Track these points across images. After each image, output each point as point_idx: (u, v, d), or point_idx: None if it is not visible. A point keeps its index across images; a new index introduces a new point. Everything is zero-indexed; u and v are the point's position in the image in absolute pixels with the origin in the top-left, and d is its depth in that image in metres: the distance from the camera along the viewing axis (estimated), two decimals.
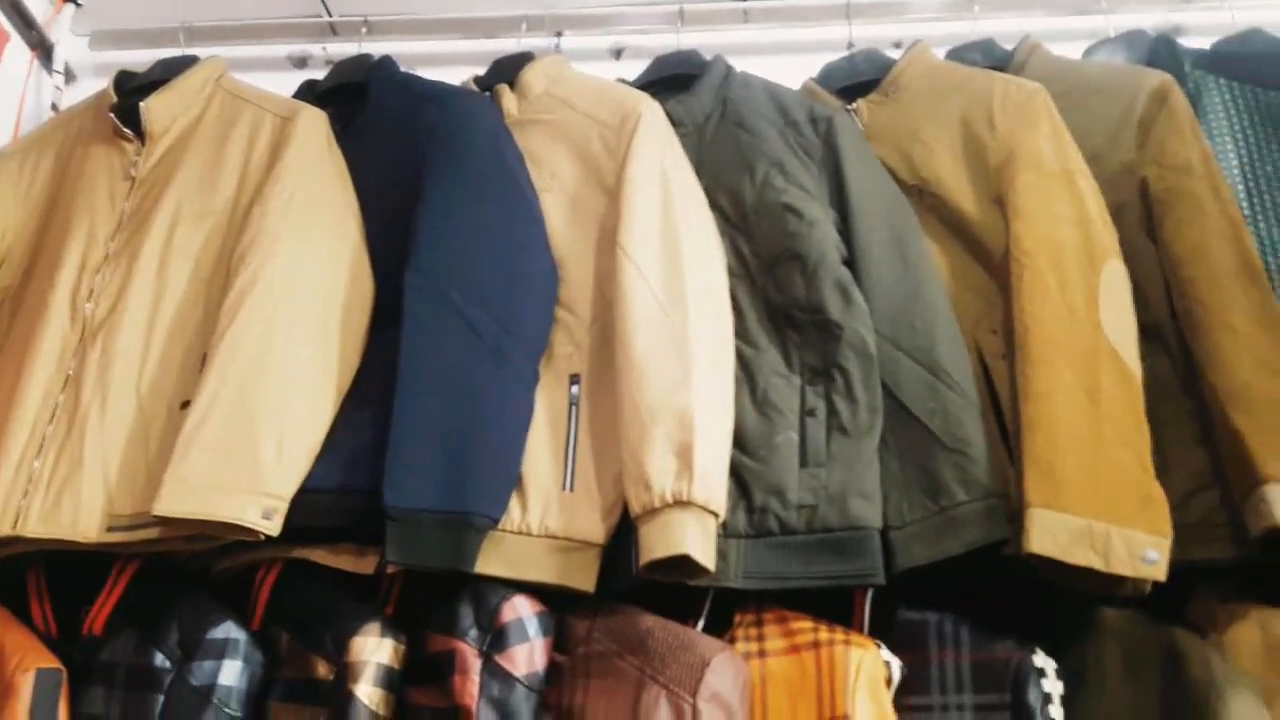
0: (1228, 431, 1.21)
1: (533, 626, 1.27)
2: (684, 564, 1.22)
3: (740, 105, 1.59)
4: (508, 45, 1.80)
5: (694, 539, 1.21)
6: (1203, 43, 1.69)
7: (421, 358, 1.34)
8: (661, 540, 1.22)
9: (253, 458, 1.30)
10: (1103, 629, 1.26)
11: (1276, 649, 1.24)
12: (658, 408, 1.28)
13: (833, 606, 1.32)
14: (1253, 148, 1.48)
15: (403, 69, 1.73)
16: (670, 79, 1.69)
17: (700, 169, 1.53)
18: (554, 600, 1.30)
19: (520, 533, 1.30)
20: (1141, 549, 1.17)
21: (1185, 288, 1.31)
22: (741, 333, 1.42)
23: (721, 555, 1.27)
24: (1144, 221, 1.41)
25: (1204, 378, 1.26)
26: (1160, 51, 1.60)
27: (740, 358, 1.40)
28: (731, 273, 1.46)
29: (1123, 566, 1.17)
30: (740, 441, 1.34)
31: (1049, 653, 1.24)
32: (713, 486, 1.24)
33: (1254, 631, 1.26)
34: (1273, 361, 1.24)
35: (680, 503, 1.22)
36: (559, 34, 1.93)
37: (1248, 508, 1.17)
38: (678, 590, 1.30)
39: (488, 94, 1.64)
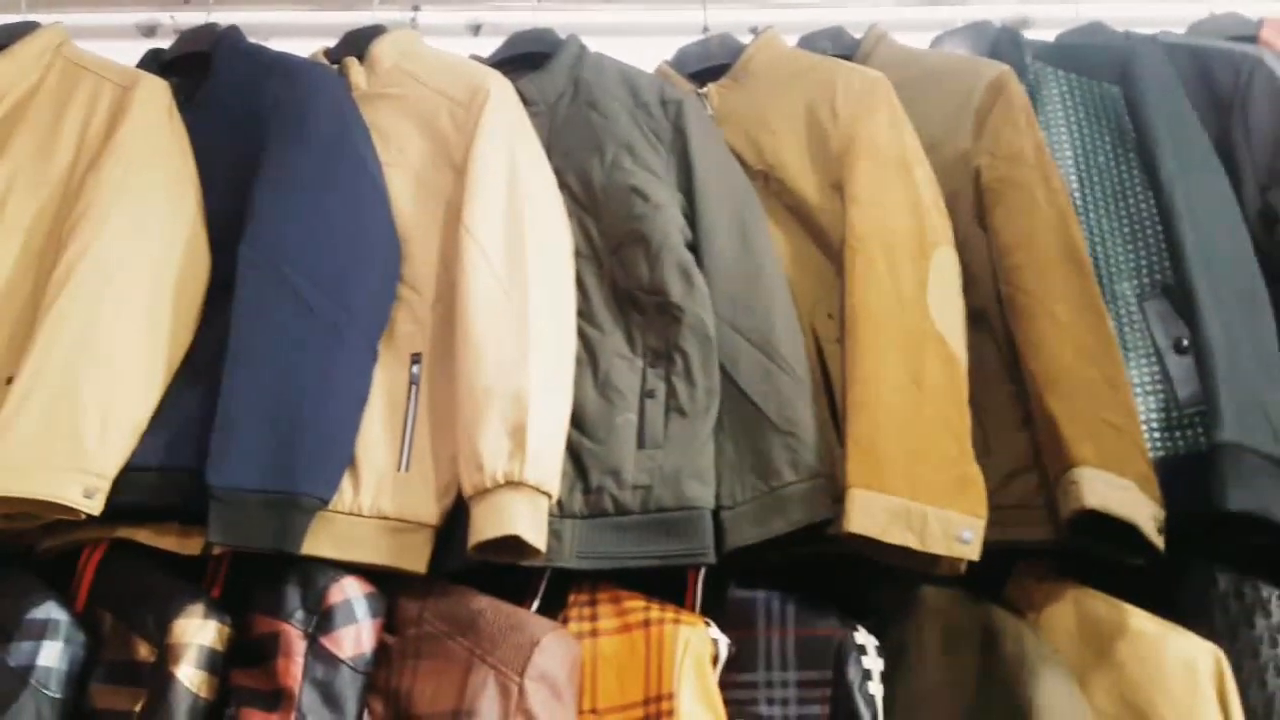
0: (1044, 416, 1.25)
1: (361, 608, 1.26)
2: (516, 544, 1.22)
3: (592, 86, 1.59)
4: (363, 18, 1.76)
5: (524, 520, 1.21)
6: (1050, 35, 1.74)
7: (252, 334, 1.32)
8: (492, 521, 1.22)
9: (75, 435, 1.26)
10: (924, 607, 1.29)
11: (1091, 627, 1.28)
12: (493, 388, 1.27)
13: (681, 587, 1.33)
14: (1086, 139, 1.52)
15: (254, 39, 1.69)
16: (524, 57, 1.68)
17: (550, 149, 1.53)
18: (392, 581, 1.30)
19: (351, 513, 1.29)
20: (957, 529, 1.20)
21: (1011, 275, 1.35)
22: (586, 314, 1.43)
23: (556, 535, 1.28)
24: (976, 210, 1.44)
25: (1025, 363, 1.30)
26: (1003, 43, 1.64)
27: (584, 339, 1.40)
28: (579, 254, 1.46)
29: (938, 545, 1.20)
30: (580, 423, 1.34)
31: (874, 630, 1.28)
32: (545, 467, 1.24)
33: (1069, 610, 1.30)
34: (1091, 348, 1.28)
35: (512, 483, 1.22)
36: (416, 8, 1.90)
37: (1059, 490, 1.20)
38: (518, 571, 1.30)
39: (336, 67, 1.62)
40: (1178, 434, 1.32)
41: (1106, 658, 1.25)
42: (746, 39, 1.69)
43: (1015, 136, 1.44)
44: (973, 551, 1.20)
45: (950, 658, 1.25)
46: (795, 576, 1.35)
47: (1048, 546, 1.28)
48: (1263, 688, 1.23)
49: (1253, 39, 1.65)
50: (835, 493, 1.25)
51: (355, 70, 1.59)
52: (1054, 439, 1.23)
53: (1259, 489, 1.23)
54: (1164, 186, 1.41)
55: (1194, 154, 1.44)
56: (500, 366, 1.28)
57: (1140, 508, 1.19)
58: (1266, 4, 1.81)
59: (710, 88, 1.63)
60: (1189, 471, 1.27)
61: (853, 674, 1.22)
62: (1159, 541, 1.20)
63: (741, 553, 1.29)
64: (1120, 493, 1.18)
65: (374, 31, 1.65)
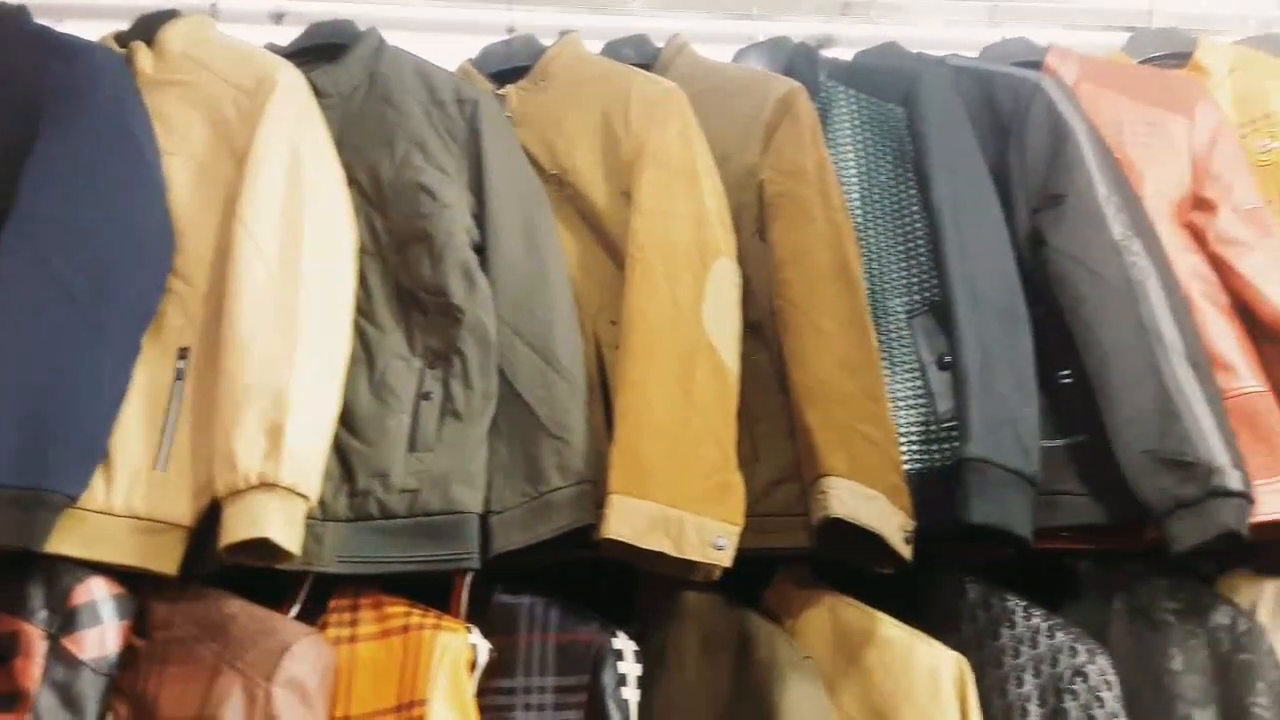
0: (802, 426, 1.28)
1: (107, 609, 1.22)
2: (272, 547, 1.20)
3: (389, 81, 1.57)
4: (160, 1, 1.71)
5: (277, 522, 1.19)
6: (851, 54, 1.78)
7: (8, 325, 1.27)
8: (243, 523, 1.19)
9: None
10: (685, 612, 1.31)
11: (844, 633, 1.31)
12: (254, 385, 1.25)
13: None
14: (870, 159, 1.56)
15: (46, 20, 1.62)
16: (322, 48, 1.65)
17: (341, 143, 1.50)
18: (148, 583, 1.26)
19: (102, 512, 1.25)
20: (713, 536, 1.22)
21: (782, 288, 1.37)
22: (367, 312, 1.41)
23: (317, 539, 1.26)
24: (759, 223, 1.46)
25: (789, 374, 1.32)
26: (799, 60, 1.66)
27: (362, 338, 1.39)
28: (364, 251, 1.44)
29: (693, 552, 1.21)
30: (351, 423, 1.33)
31: (636, 635, 1.29)
32: (303, 469, 1.22)
33: (824, 616, 1.33)
34: (853, 362, 1.31)
35: (266, 484, 1.20)
36: None
37: (810, 499, 1.23)
38: (286, 574, 1.28)
39: (124, 51, 1.56)
40: (934, 447, 1.36)
41: (856, 664, 1.28)
42: (551, 42, 1.68)
43: (799, 153, 1.47)
44: (726, 558, 1.22)
45: (707, 662, 1.27)
46: (571, 582, 1.35)
47: (810, 554, 1.30)
48: (1003, 696, 1.27)
49: (1038, 65, 1.71)
50: (601, 498, 1.25)
51: (142, 55, 1.54)
52: (809, 449, 1.25)
53: (1002, 502, 1.27)
54: (935, 207, 1.44)
55: (966, 176, 1.48)
56: (263, 363, 1.26)
57: (888, 518, 1.22)
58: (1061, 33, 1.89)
59: (509, 89, 1.63)
60: (943, 483, 1.31)
61: (607, 679, 1.22)
62: (906, 551, 1.23)
63: (515, 558, 1.29)
64: (868, 503, 1.21)
65: (166, 16, 1.60)
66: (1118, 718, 1.23)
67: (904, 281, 1.47)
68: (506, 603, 1.31)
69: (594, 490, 1.27)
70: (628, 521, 1.20)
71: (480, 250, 1.43)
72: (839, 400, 1.28)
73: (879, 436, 1.27)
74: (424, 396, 1.35)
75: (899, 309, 1.45)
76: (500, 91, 1.63)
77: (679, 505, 1.22)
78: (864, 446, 1.25)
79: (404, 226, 1.44)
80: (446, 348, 1.37)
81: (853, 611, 1.32)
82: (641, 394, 1.28)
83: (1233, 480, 1.27)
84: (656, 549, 1.20)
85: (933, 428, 1.37)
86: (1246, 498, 1.28)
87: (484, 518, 1.30)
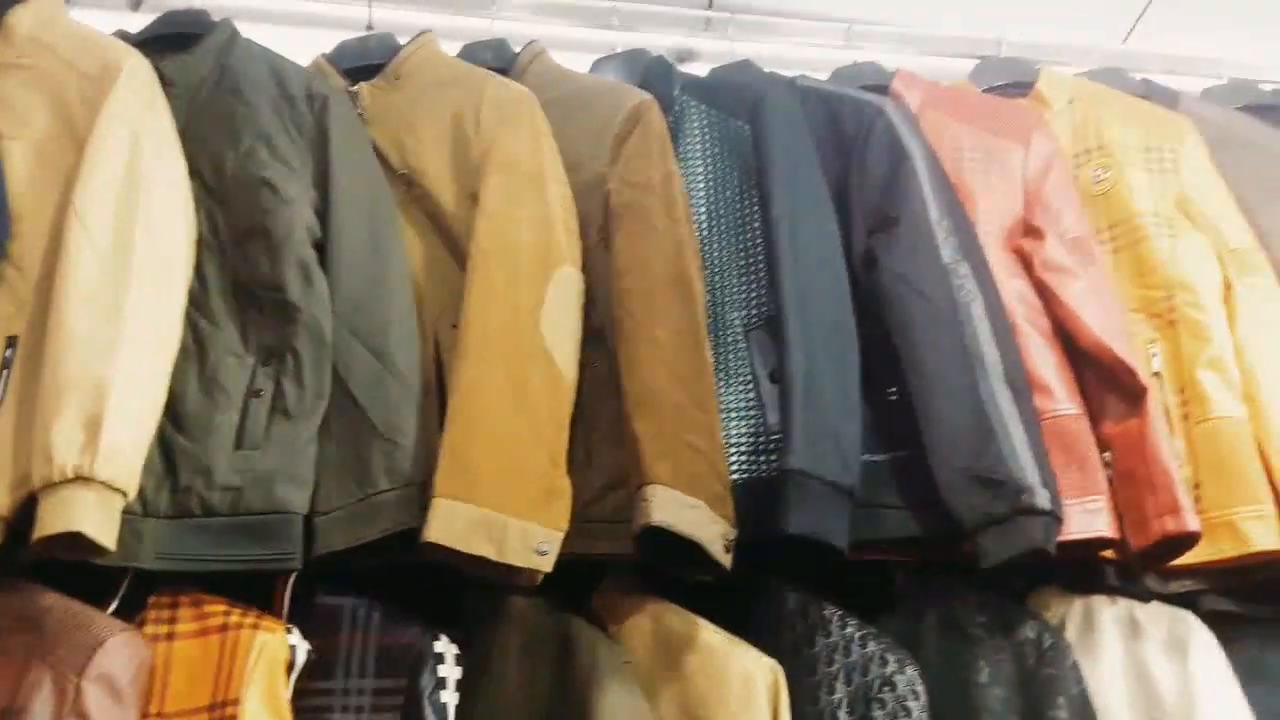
0: (630, 434, 1.29)
1: None
2: (88, 541, 1.18)
3: (239, 73, 1.55)
4: None
5: (91, 517, 1.17)
6: (710, 69, 1.81)
7: None
8: (57, 516, 1.17)
9: None
10: (509, 616, 1.32)
11: (666, 639, 1.34)
12: (75, 377, 1.23)
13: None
14: (718, 174, 1.58)
15: None
16: (173, 36, 1.62)
17: (187, 134, 1.48)
18: None
19: None
20: (536, 541, 1.23)
21: (621, 297, 1.39)
22: (202, 307, 1.39)
23: (136, 535, 1.25)
24: (604, 232, 1.47)
25: (622, 382, 1.34)
26: (654, 72, 1.69)
27: (195, 333, 1.37)
28: (204, 244, 1.42)
29: (516, 557, 1.22)
30: (177, 419, 1.31)
31: (461, 639, 1.29)
32: (121, 464, 1.21)
33: (647, 623, 1.35)
34: (684, 373, 1.33)
35: (82, 478, 1.18)
36: None
37: (634, 506, 1.25)
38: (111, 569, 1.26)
39: None
40: (762, 458, 1.39)
41: (676, 669, 1.31)
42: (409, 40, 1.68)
43: (646, 164, 1.49)
44: (548, 564, 1.24)
45: (528, 666, 1.29)
46: (405, 584, 1.35)
47: (638, 560, 1.32)
48: (815, 703, 1.31)
49: (886, 89, 1.76)
50: (428, 501, 1.26)
51: None
52: (635, 457, 1.27)
53: (820, 514, 1.31)
54: (772, 222, 1.47)
55: (805, 194, 1.51)
56: (86, 354, 1.24)
57: (708, 527, 1.25)
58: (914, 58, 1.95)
59: (362, 86, 1.62)
60: (770, 494, 1.34)
61: (425, 681, 1.23)
62: (725, 560, 1.26)
63: (343, 560, 1.29)
64: (688, 511, 1.23)
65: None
66: None
67: (743, 295, 1.50)
68: (328, 604, 1.31)
69: (421, 494, 1.27)
70: (450, 525, 1.21)
71: (322, 248, 1.43)
72: (668, 410, 1.30)
73: (705, 446, 1.29)
74: (254, 394, 1.34)
75: (737, 322, 1.48)
76: (353, 88, 1.62)
77: (504, 510, 1.23)
78: (689, 456, 1.28)
79: (244, 221, 1.43)
80: (280, 345, 1.36)
81: (676, 618, 1.34)
82: (473, 398, 1.29)
83: (1041, 499, 1.32)
84: (479, 554, 1.21)
85: (762, 439, 1.40)
86: (1054, 516, 1.33)
87: (310, 518, 1.29)
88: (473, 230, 1.42)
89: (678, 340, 1.36)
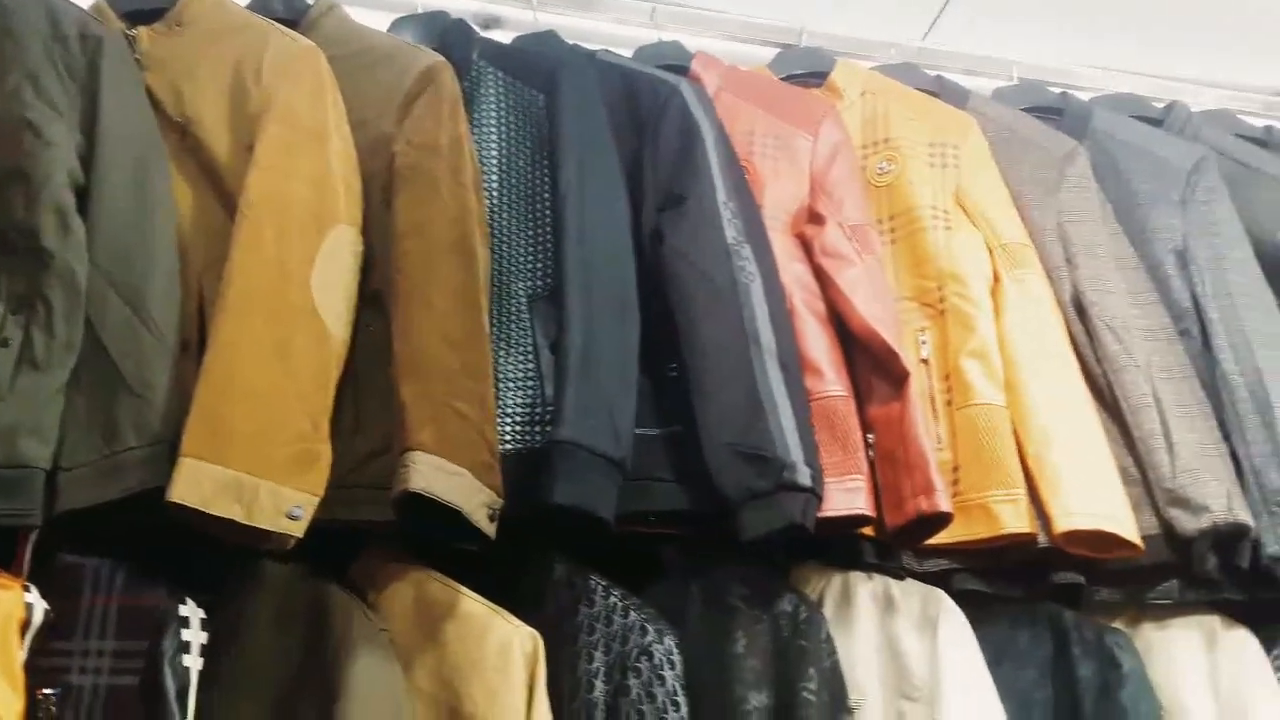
0: (397, 399, 1.27)
1: None
2: None
3: (10, 11, 1.44)
4: None
5: None
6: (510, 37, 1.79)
7: None
8: None
9: None
10: (262, 582, 1.29)
11: (426, 608, 1.32)
12: None
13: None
14: (511, 142, 1.57)
15: None
16: None
17: None
18: None
19: None
20: (287, 505, 1.20)
21: (399, 260, 1.36)
22: None
23: None
24: (387, 193, 1.44)
25: (394, 346, 1.32)
26: (453, 36, 1.66)
27: None
28: None
29: (265, 520, 1.19)
30: None
31: (212, 602, 1.26)
32: None
33: (408, 591, 1.34)
34: (458, 339, 1.32)
35: None
36: None
37: (396, 472, 1.23)
38: None
39: None
40: (537, 429, 1.39)
41: (434, 638, 1.29)
42: None
43: (434, 127, 1.46)
44: (299, 528, 1.21)
45: (280, 632, 1.26)
46: (159, 545, 1.30)
47: (396, 527, 1.30)
48: (574, 671, 1.32)
49: (684, 70, 1.77)
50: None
51: None
52: (400, 422, 1.25)
53: (588, 485, 1.31)
54: (561, 194, 1.47)
55: (595, 167, 1.51)
56: None
57: (471, 495, 1.24)
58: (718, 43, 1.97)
59: (141, 30, 1.54)
60: (540, 465, 1.34)
61: (166, 645, 1.19)
62: (489, 529, 1.25)
63: (92, 518, 1.24)
64: (451, 478, 1.22)
65: None
66: (676, 696, 1.28)
67: (529, 266, 1.49)
68: (71, 563, 1.25)
69: (171, 453, 1.22)
70: (196, 486, 1.17)
71: (84, 194, 1.36)
72: (438, 375, 1.29)
73: (473, 414, 1.28)
74: (1, 343, 1.27)
75: (521, 292, 1.47)
76: (131, 32, 1.55)
77: (255, 472, 1.19)
78: (456, 423, 1.26)
79: (3, 163, 1.35)
80: (31, 293, 1.29)
81: (437, 587, 1.33)
82: (230, 355, 1.25)
83: (803, 476, 1.36)
84: (226, 515, 1.18)
85: (539, 410, 1.40)
86: (815, 494, 1.37)
87: (55, 474, 1.23)
88: (245, 184, 1.37)
89: (454, 306, 1.34)
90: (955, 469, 1.53)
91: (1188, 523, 1.50)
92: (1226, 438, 1.61)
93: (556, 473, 1.30)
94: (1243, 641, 1.56)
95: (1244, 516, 1.51)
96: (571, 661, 1.32)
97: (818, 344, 1.52)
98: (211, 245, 1.40)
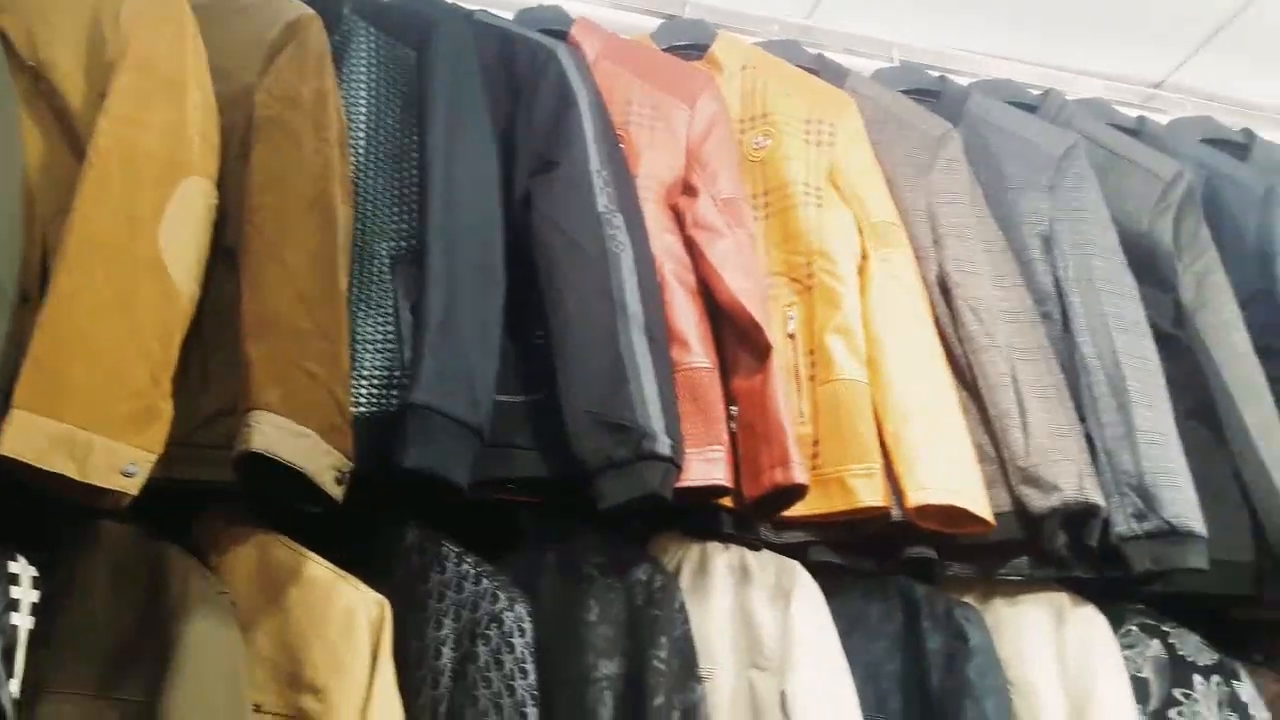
0: (245, 357, 1.24)
1: None
2: None
3: None
4: None
5: None
6: None
7: None
8: None
9: None
10: (99, 541, 1.25)
11: (270, 572, 1.30)
12: None
13: None
14: (380, 100, 1.54)
15: None
16: None
17: None
18: None
19: None
20: (122, 462, 1.16)
21: (253, 214, 1.33)
22: None
23: None
24: (245, 146, 1.40)
25: (243, 303, 1.28)
26: None
27: None
28: None
29: (99, 477, 1.15)
30: None
31: (49, 560, 1.22)
32: None
33: (251, 554, 1.31)
34: (312, 298, 1.29)
35: None
36: None
37: (238, 432, 1.20)
38: None
39: None
40: (394, 393, 1.37)
41: (277, 602, 1.27)
42: None
43: (298, 80, 1.43)
44: (134, 486, 1.17)
45: (115, 592, 1.22)
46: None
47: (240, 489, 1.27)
48: (421, 638, 1.30)
49: (564, 35, 1.75)
50: None
51: None
52: (247, 381, 1.22)
53: (442, 450, 1.29)
54: (427, 154, 1.45)
55: (466, 129, 1.49)
56: None
57: (318, 457, 1.21)
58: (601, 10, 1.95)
59: None
60: (396, 428, 1.32)
61: None
62: (336, 492, 1.23)
63: None
64: (295, 440, 1.20)
65: None
66: (525, 664, 1.28)
67: (394, 226, 1.47)
68: None
69: (5, 405, 1.18)
70: (27, 440, 1.13)
71: None
72: (288, 334, 1.26)
73: (324, 375, 1.26)
74: None
75: (384, 253, 1.45)
76: None
77: (90, 427, 1.15)
78: (304, 383, 1.23)
79: None
80: None
81: (282, 550, 1.30)
82: (69, 306, 1.20)
83: (663, 446, 1.35)
84: (59, 470, 1.14)
85: (396, 374, 1.38)
86: (674, 464, 1.37)
87: None
88: (94, 131, 1.32)
89: (309, 264, 1.31)
90: (815, 443, 1.54)
91: (1038, 501, 1.54)
92: (1082, 419, 1.64)
93: (409, 437, 1.28)
94: (1090, 619, 1.59)
95: (1094, 496, 1.54)
96: (420, 628, 1.31)
97: (686, 316, 1.52)
98: (60, 194, 1.34)
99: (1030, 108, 2.05)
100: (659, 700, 1.31)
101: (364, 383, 1.37)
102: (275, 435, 1.18)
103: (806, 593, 1.46)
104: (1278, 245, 1.90)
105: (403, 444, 1.28)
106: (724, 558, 1.50)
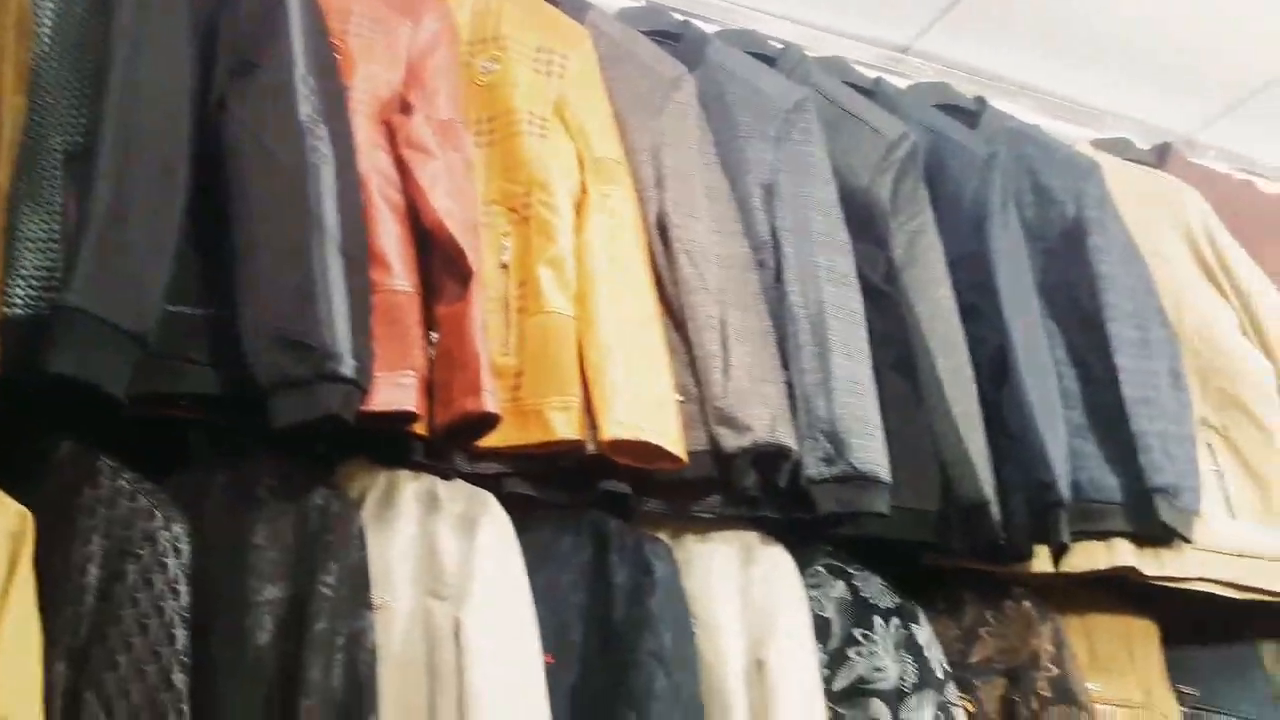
0: None
1: None
2: None
3: None
4: None
5: None
6: None
7: None
8: None
9: None
10: None
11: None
12: None
13: None
14: None
15: None
16: None
17: None
18: None
19: None
20: None
21: None
22: None
23: None
24: None
25: None
26: None
27: None
28: None
29: None
30: None
31: None
32: None
33: None
34: None
35: None
36: None
37: None
38: None
39: None
40: (54, 294, 1.27)
41: None
42: None
43: None
44: None
45: None
46: None
47: None
48: (67, 556, 1.22)
49: None
50: None
51: None
52: None
53: (95, 357, 1.21)
54: (111, 41, 1.33)
55: (156, 16, 1.37)
56: None
57: None
58: None
59: None
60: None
61: None
62: None
63: None
64: None
65: None
66: (177, 585, 1.22)
67: (70, 120, 1.36)
68: None
69: None
70: None
71: None
72: None
73: None
74: None
75: (58, 147, 1.34)
76: None
77: None
78: None
79: None
80: None
81: None
82: None
83: (346, 367, 1.31)
84: None
85: (58, 275, 1.28)
86: (358, 386, 1.33)
87: None
88: None
89: None
90: (519, 374, 1.52)
91: (731, 440, 1.56)
92: (785, 366, 1.67)
93: (58, 341, 1.20)
94: (776, 558, 1.63)
95: (786, 439, 1.58)
96: (65, 545, 1.23)
97: (389, 236, 1.47)
98: None
99: (770, 60, 2.08)
100: (321, 625, 1.27)
101: (20, 282, 1.27)
102: None
103: (494, 522, 1.44)
104: (991, 208, 1.97)
105: (49, 348, 1.19)
106: (413, 486, 1.46)
